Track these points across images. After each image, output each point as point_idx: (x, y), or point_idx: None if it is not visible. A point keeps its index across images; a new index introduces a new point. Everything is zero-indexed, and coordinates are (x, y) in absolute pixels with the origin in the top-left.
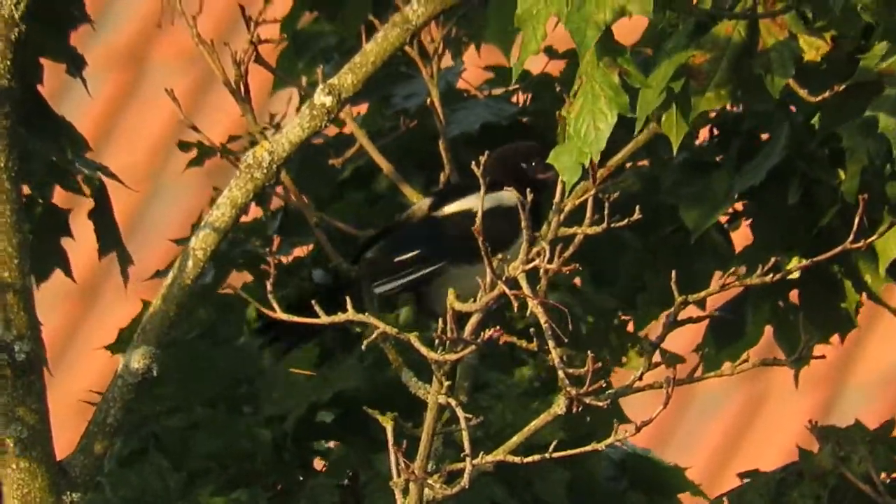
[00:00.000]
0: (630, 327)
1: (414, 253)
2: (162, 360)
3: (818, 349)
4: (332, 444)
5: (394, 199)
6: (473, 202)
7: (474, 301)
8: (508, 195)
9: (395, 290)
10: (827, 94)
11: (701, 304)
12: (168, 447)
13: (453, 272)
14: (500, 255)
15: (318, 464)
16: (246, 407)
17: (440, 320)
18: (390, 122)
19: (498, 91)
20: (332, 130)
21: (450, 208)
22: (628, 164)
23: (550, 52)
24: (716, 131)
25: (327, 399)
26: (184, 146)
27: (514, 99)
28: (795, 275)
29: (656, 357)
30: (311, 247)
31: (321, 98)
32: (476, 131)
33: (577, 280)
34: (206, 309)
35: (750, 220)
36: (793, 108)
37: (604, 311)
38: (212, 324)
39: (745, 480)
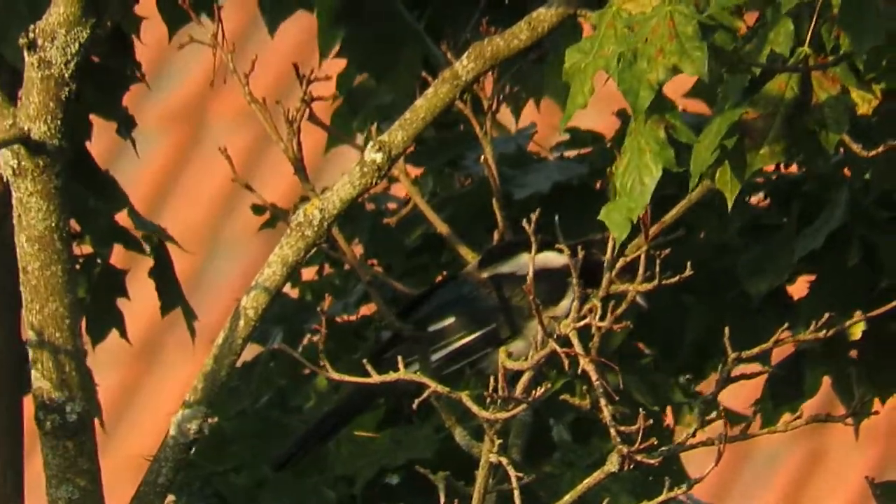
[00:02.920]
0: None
1: (450, 321)
2: (233, 424)
3: (874, 404)
4: None
5: (464, 263)
6: (515, 265)
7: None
8: (554, 256)
9: (453, 367)
10: (881, 148)
11: (763, 359)
12: None
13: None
14: (549, 313)
15: None
16: (312, 468)
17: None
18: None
19: (571, 153)
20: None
21: (490, 271)
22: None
23: (623, 115)
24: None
25: (399, 465)
26: (257, 210)
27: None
28: (856, 335)
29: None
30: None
31: (371, 155)
32: (547, 191)
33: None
34: (281, 375)
35: (810, 281)
36: (847, 172)
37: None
38: (280, 389)
39: None
